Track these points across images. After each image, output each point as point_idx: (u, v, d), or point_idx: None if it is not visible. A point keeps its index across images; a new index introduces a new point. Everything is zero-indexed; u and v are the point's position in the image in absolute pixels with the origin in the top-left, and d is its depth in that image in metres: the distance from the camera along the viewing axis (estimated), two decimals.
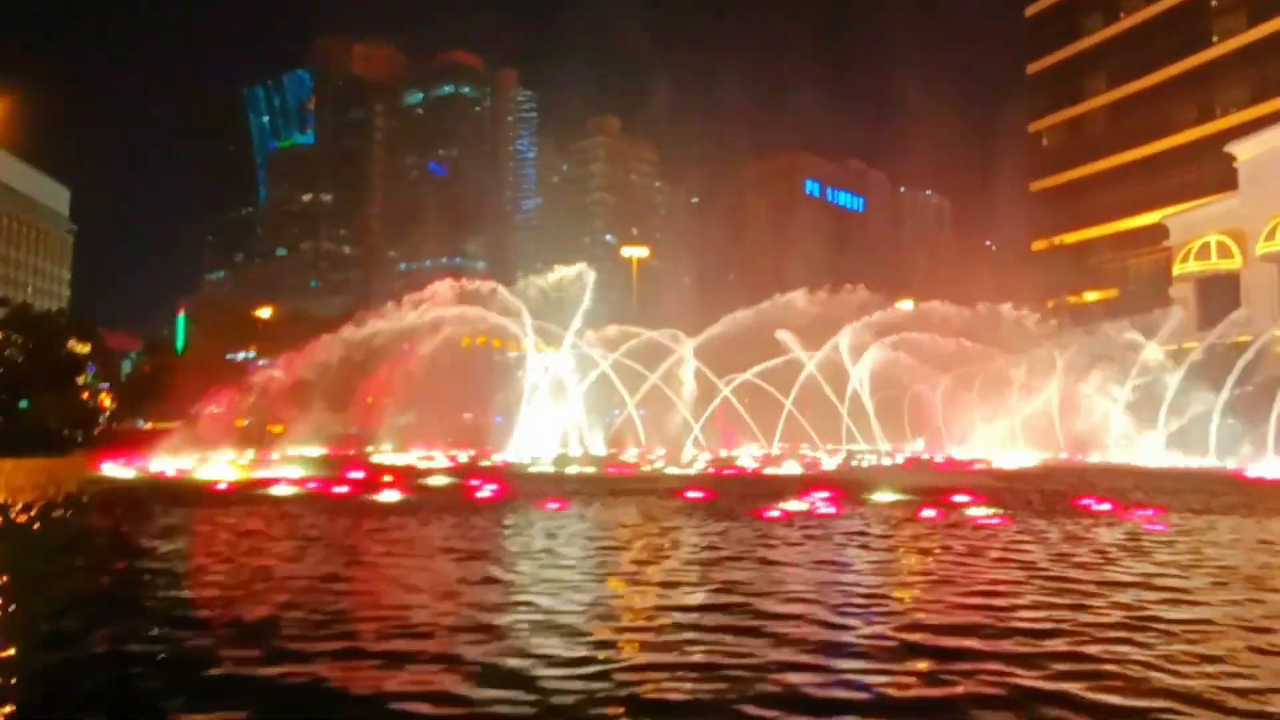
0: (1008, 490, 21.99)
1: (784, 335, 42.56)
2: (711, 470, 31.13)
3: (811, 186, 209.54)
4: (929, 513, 16.14)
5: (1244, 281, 49.72)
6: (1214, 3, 72.64)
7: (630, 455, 39.54)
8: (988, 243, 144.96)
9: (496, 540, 13.40)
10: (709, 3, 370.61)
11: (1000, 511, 16.34)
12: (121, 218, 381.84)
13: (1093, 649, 6.75)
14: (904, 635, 7.15)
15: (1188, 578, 9.90)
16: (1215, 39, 71.82)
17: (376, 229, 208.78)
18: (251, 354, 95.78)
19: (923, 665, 6.38)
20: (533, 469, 31.35)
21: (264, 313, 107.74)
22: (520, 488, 22.32)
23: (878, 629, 7.38)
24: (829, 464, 34.75)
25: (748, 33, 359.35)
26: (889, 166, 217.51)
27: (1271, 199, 47.01)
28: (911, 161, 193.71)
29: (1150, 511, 16.71)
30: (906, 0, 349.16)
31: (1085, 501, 18.32)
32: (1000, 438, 43.58)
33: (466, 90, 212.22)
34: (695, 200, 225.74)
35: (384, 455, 42.60)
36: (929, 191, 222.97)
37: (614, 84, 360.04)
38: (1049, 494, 21.01)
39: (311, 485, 22.50)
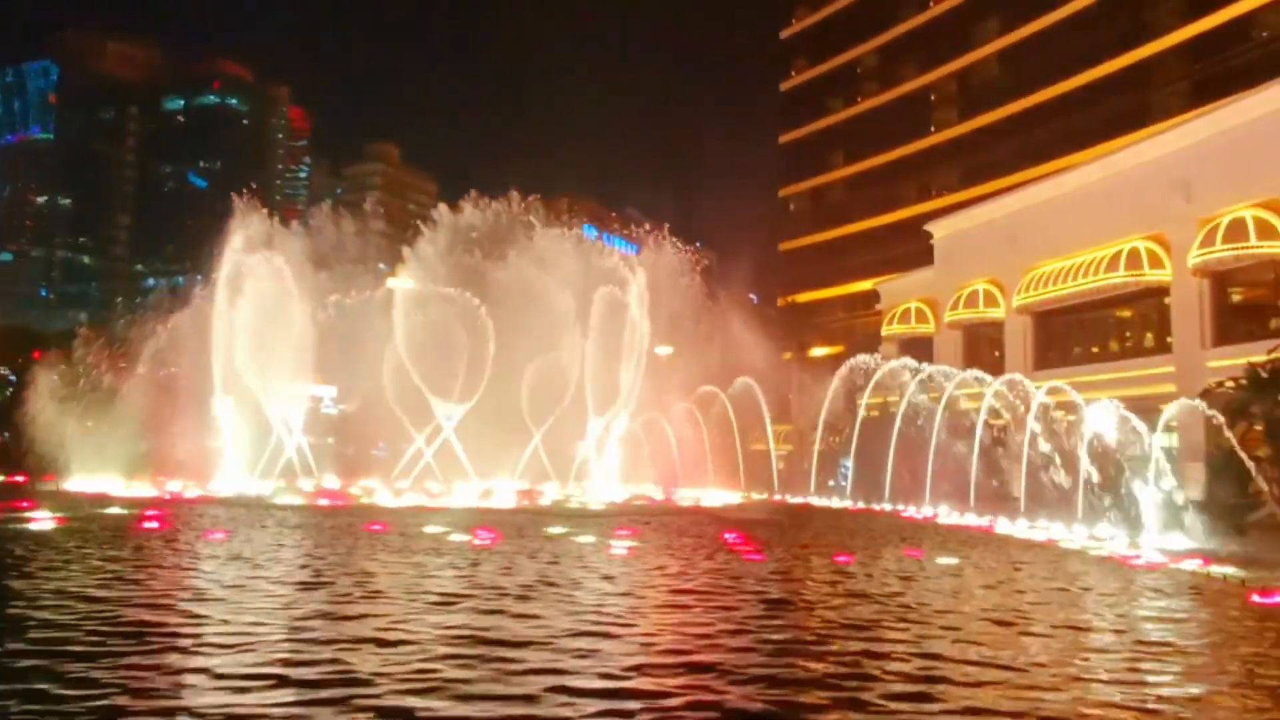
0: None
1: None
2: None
3: (589, 230, 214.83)
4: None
5: (936, 344, 56.26)
6: (933, 96, 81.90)
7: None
8: (752, 296, 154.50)
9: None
10: (494, 44, 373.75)
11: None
12: None
13: None
14: None
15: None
16: (933, 129, 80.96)
17: (123, 239, 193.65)
18: None
19: None
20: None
21: None
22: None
23: None
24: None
25: (532, 81, 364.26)
26: (661, 219, 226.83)
27: (958, 274, 53.77)
28: (682, 215, 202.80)
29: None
30: (686, 69, 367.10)
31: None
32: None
33: (234, 101, 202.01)
34: (474, 235, 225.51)
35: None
36: (697, 244, 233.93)
37: (394, 113, 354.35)
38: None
39: None
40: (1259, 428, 28.85)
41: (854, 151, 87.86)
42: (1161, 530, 23.29)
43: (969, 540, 22.08)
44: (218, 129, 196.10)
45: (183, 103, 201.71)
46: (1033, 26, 69.31)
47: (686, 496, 39.70)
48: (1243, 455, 26.13)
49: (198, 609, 10.25)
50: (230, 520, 21.94)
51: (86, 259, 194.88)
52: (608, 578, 13.83)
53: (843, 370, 45.53)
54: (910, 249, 73.60)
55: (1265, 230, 35.98)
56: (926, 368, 41.21)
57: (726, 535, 20.75)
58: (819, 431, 49.95)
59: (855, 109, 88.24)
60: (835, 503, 40.53)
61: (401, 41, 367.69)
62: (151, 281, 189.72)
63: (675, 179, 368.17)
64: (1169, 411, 27.59)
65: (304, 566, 14.22)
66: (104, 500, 27.06)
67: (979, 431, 35.43)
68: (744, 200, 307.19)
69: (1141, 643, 9.76)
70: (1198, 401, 27.73)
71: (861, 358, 44.82)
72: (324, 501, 31.23)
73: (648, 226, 58.74)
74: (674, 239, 59.57)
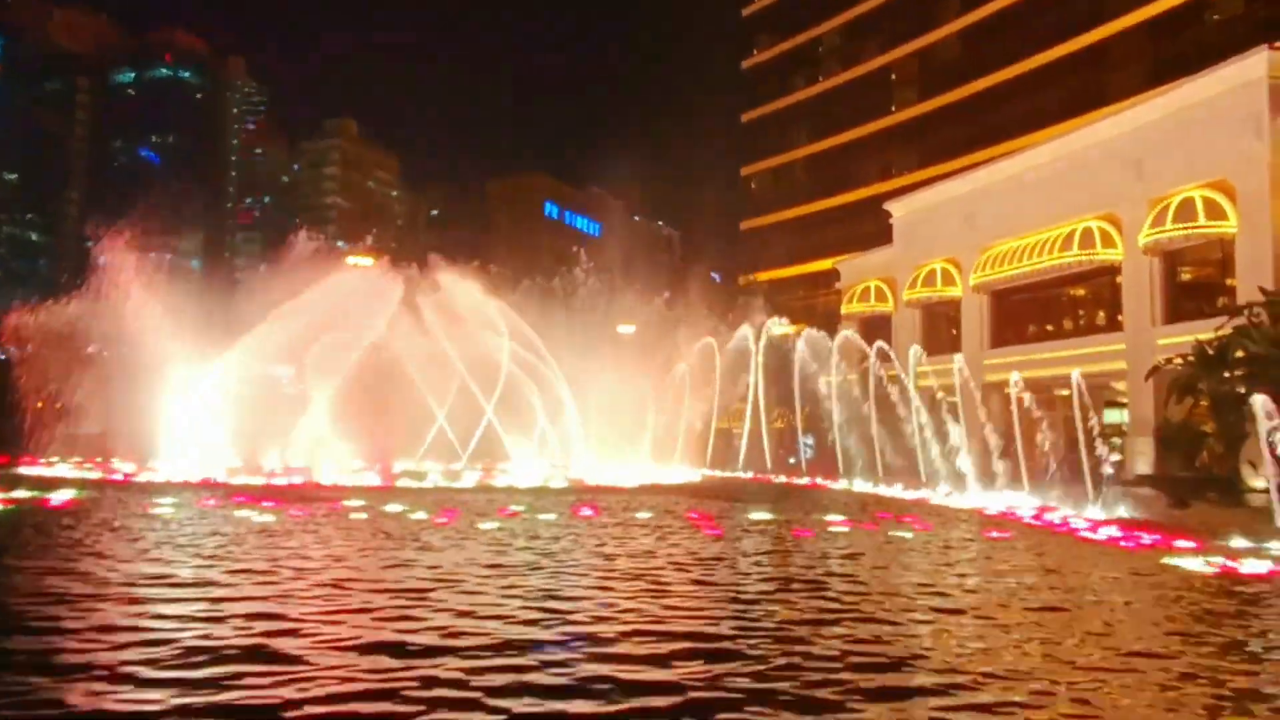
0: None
1: None
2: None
3: (551, 209, 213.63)
4: None
5: (894, 323, 56.83)
6: (894, 76, 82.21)
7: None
8: (714, 275, 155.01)
9: None
10: (453, 19, 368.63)
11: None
12: None
13: None
14: None
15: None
16: (894, 108, 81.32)
17: (73, 215, 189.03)
18: None
19: None
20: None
21: None
22: None
23: None
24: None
25: (496, 56, 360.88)
26: (626, 196, 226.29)
27: (916, 253, 54.30)
28: (646, 193, 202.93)
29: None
30: (648, 46, 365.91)
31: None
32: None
33: (187, 74, 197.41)
34: (435, 213, 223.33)
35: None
36: (660, 222, 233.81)
37: (353, 89, 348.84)
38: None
39: None
40: (1205, 403, 29.56)
41: (815, 130, 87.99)
42: (1107, 503, 23.83)
43: (916, 512, 22.46)
44: (170, 102, 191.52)
45: (133, 75, 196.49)
46: (993, 6, 69.72)
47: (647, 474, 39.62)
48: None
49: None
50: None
51: (35, 235, 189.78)
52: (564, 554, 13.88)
53: (759, 344, 46.68)
54: (870, 228, 74.06)
55: (1213, 210, 36.69)
56: (831, 340, 42.30)
57: (691, 514, 20.89)
58: (761, 408, 50.44)
59: (817, 88, 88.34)
60: (797, 480, 40.95)
61: (359, 14, 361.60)
62: (104, 259, 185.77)
63: (638, 157, 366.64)
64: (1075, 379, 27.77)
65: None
66: (56, 483, 26.53)
67: (915, 404, 36.07)
68: (706, 179, 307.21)
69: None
70: (1075, 372, 28.09)
71: (775, 321, 45.77)
72: (282, 481, 30.85)
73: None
74: (638, 216, 59.23)
